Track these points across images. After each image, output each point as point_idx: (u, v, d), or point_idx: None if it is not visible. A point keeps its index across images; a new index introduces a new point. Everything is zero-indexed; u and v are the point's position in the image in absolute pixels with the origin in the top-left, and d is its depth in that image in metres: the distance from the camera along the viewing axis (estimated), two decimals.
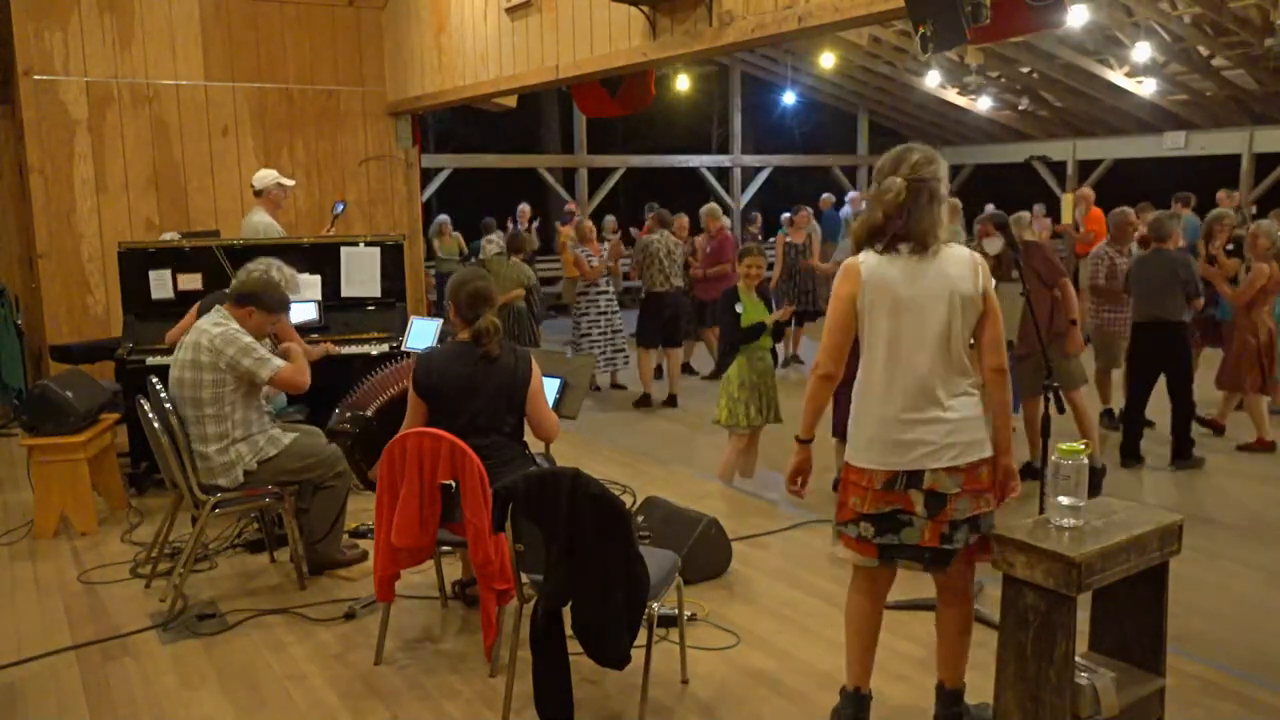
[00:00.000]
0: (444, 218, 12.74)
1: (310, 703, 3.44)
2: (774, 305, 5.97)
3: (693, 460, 6.76)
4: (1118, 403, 7.67)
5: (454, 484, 3.44)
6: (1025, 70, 13.93)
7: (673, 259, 9.04)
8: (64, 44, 7.66)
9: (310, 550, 4.48)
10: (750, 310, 5.68)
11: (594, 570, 2.97)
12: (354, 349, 6.01)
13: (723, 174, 17.29)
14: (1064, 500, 2.69)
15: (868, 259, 2.91)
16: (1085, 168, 16.03)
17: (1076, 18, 9.81)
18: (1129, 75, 13.28)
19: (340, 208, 7.52)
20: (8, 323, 7.67)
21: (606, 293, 9.08)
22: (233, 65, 8.35)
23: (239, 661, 3.76)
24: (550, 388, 4.30)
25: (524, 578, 3.23)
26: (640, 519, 4.52)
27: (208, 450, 4.19)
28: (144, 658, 3.80)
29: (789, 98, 16.73)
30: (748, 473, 6.06)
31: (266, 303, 4.38)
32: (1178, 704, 3.16)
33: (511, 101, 8.73)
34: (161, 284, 6.10)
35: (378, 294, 6.44)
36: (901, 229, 2.86)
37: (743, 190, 17.24)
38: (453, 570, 4.39)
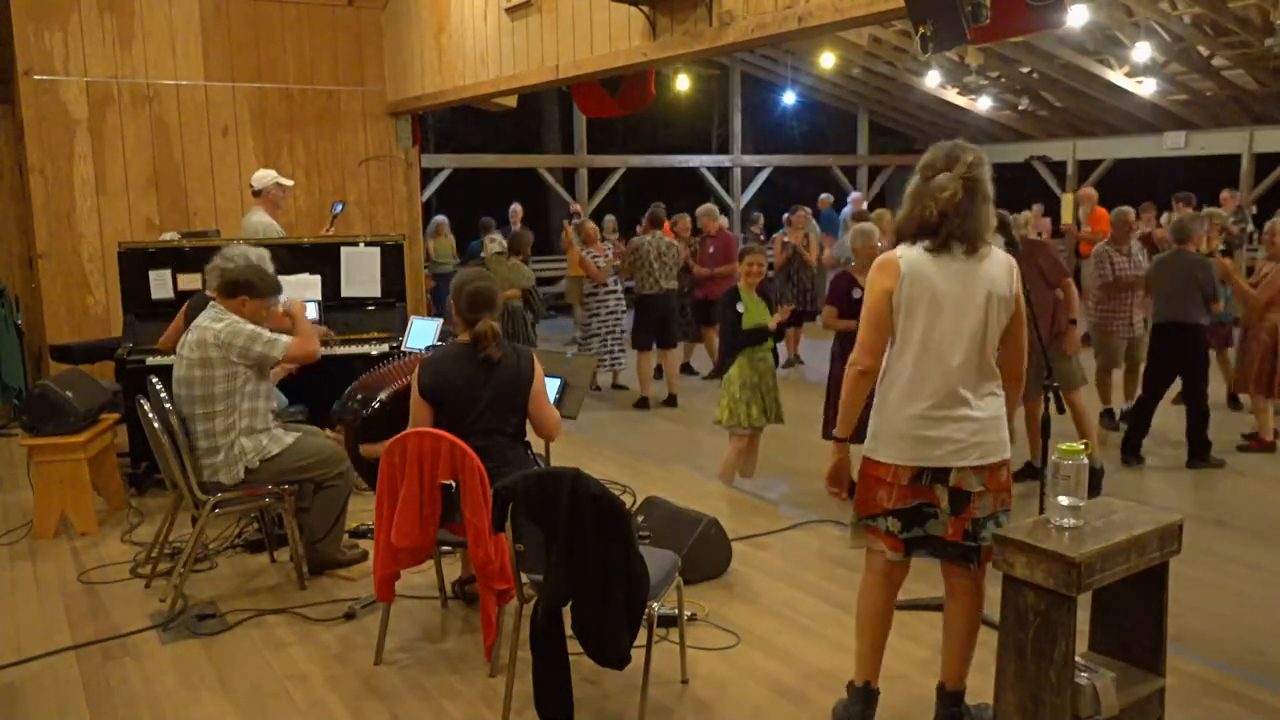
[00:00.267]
0: (441, 218, 12.72)
1: (310, 703, 3.44)
2: (775, 305, 5.97)
3: (693, 460, 6.76)
4: (1118, 403, 7.68)
5: (454, 484, 3.44)
6: (1025, 70, 13.92)
7: (663, 261, 8.91)
8: (64, 44, 7.66)
9: (310, 550, 4.48)
10: (752, 310, 5.68)
11: (594, 570, 2.96)
12: (354, 349, 6.01)
13: (723, 174, 17.28)
14: (1064, 500, 2.69)
15: (907, 254, 2.90)
16: (1085, 168, 16.03)
17: (1076, 18, 9.81)
18: (1129, 75, 13.28)
19: (339, 208, 7.52)
20: (8, 323, 7.66)
21: (615, 292, 9.07)
22: (233, 65, 8.35)
23: (239, 661, 3.76)
24: (550, 387, 4.30)
25: (524, 578, 3.23)
26: (640, 519, 4.52)
27: (214, 445, 4.19)
28: (144, 658, 3.80)
29: (789, 98, 16.73)
30: (748, 473, 6.06)
31: (258, 289, 4.35)
32: (1178, 704, 3.16)
33: (511, 101, 8.74)
34: (161, 284, 6.10)
35: (378, 294, 6.44)
36: (956, 228, 2.85)
37: (743, 190, 17.24)
38: (453, 570, 4.39)
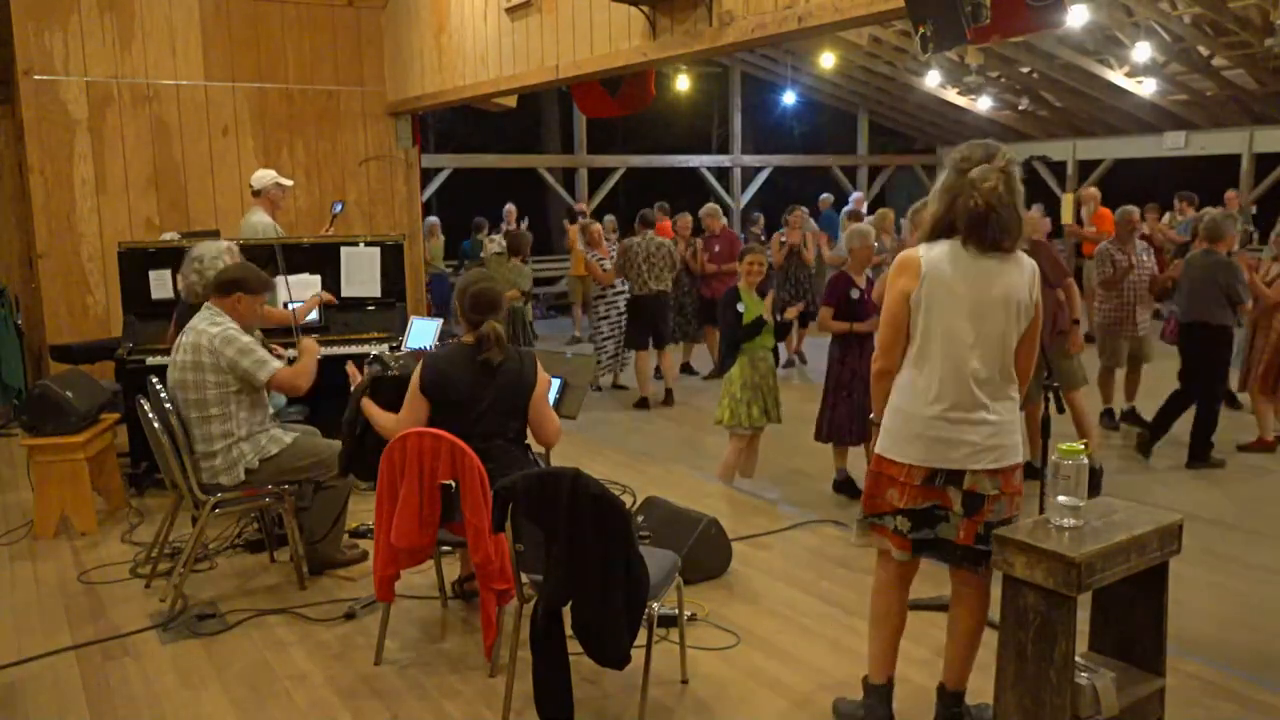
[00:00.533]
0: (433, 219, 12.68)
1: (310, 703, 3.44)
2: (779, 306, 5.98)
3: (693, 460, 6.76)
4: (1119, 403, 7.68)
5: (454, 484, 3.44)
6: (1025, 70, 13.92)
7: (651, 262, 8.80)
8: (64, 44, 7.66)
9: (310, 550, 4.48)
10: (751, 309, 5.68)
11: (594, 570, 2.96)
12: (354, 349, 6.00)
13: (723, 174, 17.29)
14: (1064, 500, 2.69)
15: (929, 253, 2.88)
16: (1085, 168, 16.04)
17: (1076, 18, 9.81)
18: (1129, 75, 13.28)
19: (339, 207, 7.52)
20: (8, 323, 7.66)
21: (624, 293, 9.08)
22: (233, 65, 8.35)
23: (239, 661, 3.76)
24: (550, 387, 4.29)
25: (524, 578, 3.23)
26: (640, 519, 4.52)
27: (211, 449, 4.19)
28: (144, 658, 3.80)
29: (789, 98, 16.73)
30: (748, 473, 6.06)
31: (251, 285, 4.34)
32: (1178, 704, 3.16)
33: (511, 101, 8.74)
34: (161, 284, 6.10)
35: (378, 294, 6.44)
36: (997, 221, 2.79)
37: (743, 190, 17.24)
38: (453, 570, 4.39)
